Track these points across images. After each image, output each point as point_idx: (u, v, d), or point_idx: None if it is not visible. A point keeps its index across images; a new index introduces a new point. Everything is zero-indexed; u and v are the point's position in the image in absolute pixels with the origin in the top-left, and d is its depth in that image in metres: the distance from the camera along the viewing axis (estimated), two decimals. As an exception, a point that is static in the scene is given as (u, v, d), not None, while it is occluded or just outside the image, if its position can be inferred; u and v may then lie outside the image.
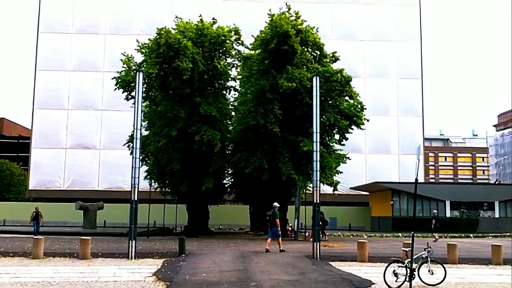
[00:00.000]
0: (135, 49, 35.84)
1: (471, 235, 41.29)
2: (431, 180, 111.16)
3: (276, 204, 23.63)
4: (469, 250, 25.00)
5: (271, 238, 22.91)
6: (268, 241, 22.89)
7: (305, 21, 34.63)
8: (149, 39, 34.50)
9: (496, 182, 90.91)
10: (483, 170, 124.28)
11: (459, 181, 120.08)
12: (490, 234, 41.90)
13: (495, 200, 48.56)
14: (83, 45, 60.36)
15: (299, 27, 33.50)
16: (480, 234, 42.40)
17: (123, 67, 35.35)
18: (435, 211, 39.38)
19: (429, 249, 14.27)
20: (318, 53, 35.69)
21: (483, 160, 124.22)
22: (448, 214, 47.66)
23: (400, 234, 40.57)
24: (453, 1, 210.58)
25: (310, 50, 35.37)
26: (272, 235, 22.99)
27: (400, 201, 48.20)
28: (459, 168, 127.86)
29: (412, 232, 13.66)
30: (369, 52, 61.41)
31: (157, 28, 33.15)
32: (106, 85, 52.80)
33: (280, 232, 23.56)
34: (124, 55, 35.74)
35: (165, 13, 56.23)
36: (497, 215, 48.34)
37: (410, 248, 13.59)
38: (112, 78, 36.02)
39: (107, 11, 61.08)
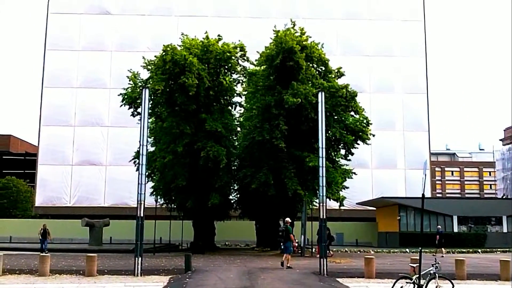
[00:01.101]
0: (141, 66, 36.07)
1: (479, 250, 40.96)
2: (438, 195, 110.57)
3: (288, 219, 23.67)
4: (477, 266, 24.79)
5: (286, 253, 22.90)
6: (286, 256, 22.82)
7: (310, 37, 34.78)
8: (155, 56, 34.72)
9: (503, 197, 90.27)
10: (490, 185, 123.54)
11: (466, 195, 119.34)
12: (499, 249, 41.54)
13: (503, 215, 48.20)
14: (89, 62, 60.78)
15: (304, 43, 33.65)
16: (488, 249, 42.05)
17: (129, 83, 35.57)
18: (439, 226, 39.13)
19: (437, 264, 14.16)
20: (323, 68, 35.78)
21: (490, 175, 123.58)
22: (455, 229, 47.31)
23: (407, 249, 40.28)
24: (458, 16, 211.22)
25: (315, 65, 35.47)
26: (286, 251, 22.95)
27: (407, 216, 47.91)
28: (466, 182, 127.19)
29: (420, 248, 13.58)
30: (374, 67, 61.50)
31: (163, 45, 33.39)
32: (112, 102, 53.05)
33: (291, 248, 23.49)
34: (130, 72, 35.97)
35: (171, 30, 56.60)
36: (505, 230, 47.95)
37: (417, 264, 13.49)
38: (118, 95, 36.21)
39: (114, 29, 61.56)
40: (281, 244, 23.25)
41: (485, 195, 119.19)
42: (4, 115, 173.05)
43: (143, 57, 36.50)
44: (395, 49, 62.30)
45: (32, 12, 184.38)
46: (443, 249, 34.39)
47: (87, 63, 60.78)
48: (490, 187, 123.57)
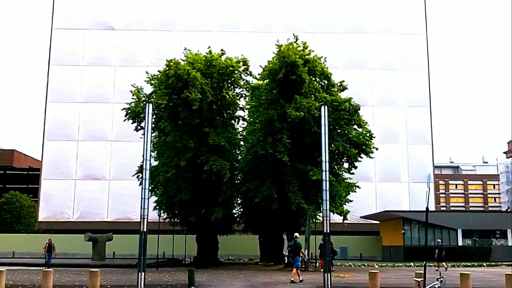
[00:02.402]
0: (145, 81, 36.27)
1: (484, 264, 40.69)
2: (442, 208, 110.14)
3: (297, 234, 23.69)
4: (482, 280, 24.60)
5: (294, 267, 22.91)
6: (295, 271, 22.78)
7: (313, 51, 34.94)
8: (158, 71, 34.89)
9: (508, 210, 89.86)
10: (495, 198, 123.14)
11: (471, 208, 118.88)
12: (504, 263, 41.25)
13: (508, 228, 47.93)
14: (93, 77, 61.07)
15: (306, 57, 33.80)
16: (493, 263, 41.76)
17: (132, 98, 35.73)
18: (439, 240, 38.88)
19: (441, 279, 14.07)
20: (326, 82, 35.87)
21: (494, 188, 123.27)
22: (460, 243, 47.06)
23: (412, 263, 40.04)
24: (460, 29, 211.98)
25: (318, 79, 35.58)
26: (293, 265, 22.96)
27: (412, 230, 47.70)
28: (470, 195, 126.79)
29: (424, 262, 13.50)
30: (377, 80, 61.62)
31: (166, 60, 33.55)
32: (115, 116, 53.24)
33: (299, 263, 23.46)
34: (133, 86, 36.15)
35: (175, 45, 56.88)
36: (510, 243, 47.64)
37: (422, 279, 13.41)
38: (122, 109, 36.36)
39: (117, 44, 61.91)
40: (290, 259, 23.32)
41: (490, 208, 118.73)
42: (8, 130, 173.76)
43: (147, 72, 36.70)
44: (398, 63, 62.45)
45: (36, 28, 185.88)
46: (444, 263, 34.14)
47: (91, 78, 61.08)
48: (495, 200, 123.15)
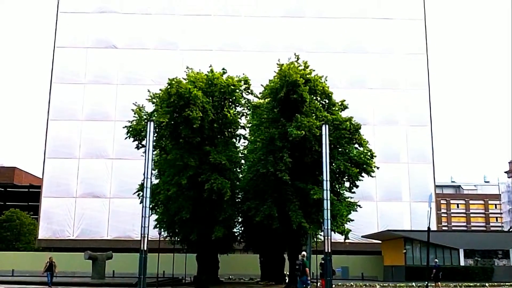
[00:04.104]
0: (146, 99, 36.40)
1: (486, 284, 40.36)
2: (443, 228, 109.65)
3: (304, 253, 23.51)
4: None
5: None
6: None
7: (314, 70, 35.11)
8: (160, 89, 35.06)
9: (510, 230, 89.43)
10: (496, 217, 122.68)
11: (472, 228, 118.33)
12: (506, 283, 40.93)
13: (510, 248, 47.63)
14: (95, 95, 61.28)
15: (307, 76, 33.97)
16: (495, 283, 41.43)
17: (134, 116, 35.83)
18: (436, 260, 38.57)
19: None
20: (327, 101, 35.99)
21: (495, 207, 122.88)
22: (462, 263, 46.72)
23: (413, 283, 39.72)
24: (461, 49, 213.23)
25: (319, 98, 35.70)
26: (301, 285, 22.74)
27: (413, 249, 47.40)
28: (471, 215, 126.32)
29: (426, 282, 13.42)
30: (378, 100, 61.77)
31: (168, 78, 33.76)
32: (117, 134, 53.26)
33: (309, 281, 23.31)
34: (135, 105, 36.28)
35: (176, 64, 57.12)
36: (512, 263, 47.31)
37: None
38: (123, 127, 36.44)
39: (119, 63, 62.25)
40: (298, 278, 23.08)
41: (491, 228, 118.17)
42: (9, 147, 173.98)
43: (148, 90, 36.87)
44: (399, 82, 62.65)
45: (38, 46, 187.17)
46: (439, 283, 33.80)
47: (92, 96, 61.29)
48: (496, 220, 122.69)
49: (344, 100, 36.36)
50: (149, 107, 36.56)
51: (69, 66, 62.26)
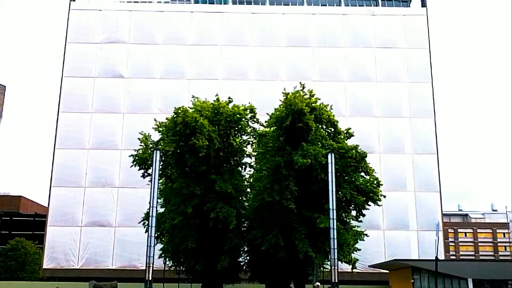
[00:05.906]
0: (153, 128, 36.53)
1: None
2: (451, 257, 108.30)
3: (318, 283, 23.21)
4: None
5: None
6: None
7: (319, 98, 35.25)
8: (166, 118, 35.18)
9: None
10: (505, 246, 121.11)
11: (481, 257, 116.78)
12: (517, 315, 40.23)
13: (520, 278, 46.91)
14: (101, 123, 61.58)
15: (313, 104, 34.08)
16: (506, 315, 40.73)
17: (140, 145, 35.90)
18: None
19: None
20: (333, 129, 36.03)
21: (504, 236, 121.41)
22: (471, 293, 45.98)
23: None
24: (466, 75, 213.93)
25: (324, 127, 35.76)
26: None
27: (421, 279, 46.70)
28: (479, 244, 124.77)
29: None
30: (384, 127, 61.78)
31: (175, 107, 33.96)
32: (123, 163, 53.41)
33: None
34: (141, 133, 36.39)
35: (183, 92, 57.57)
36: (522, 294, 46.54)
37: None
38: (130, 156, 36.49)
39: (126, 91, 62.71)
40: None
41: (500, 257, 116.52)
42: (16, 176, 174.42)
43: (155, 119, 37.04)
44: (404, 110, 62.74)
45: (46, 75, 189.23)
46: None
47: (99, 124, 61.59)
48: (505, 249, 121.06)
49: (350, 128, 36.38)
50: (155, 136, 36.68)
51: (76, 95, 62.71)
